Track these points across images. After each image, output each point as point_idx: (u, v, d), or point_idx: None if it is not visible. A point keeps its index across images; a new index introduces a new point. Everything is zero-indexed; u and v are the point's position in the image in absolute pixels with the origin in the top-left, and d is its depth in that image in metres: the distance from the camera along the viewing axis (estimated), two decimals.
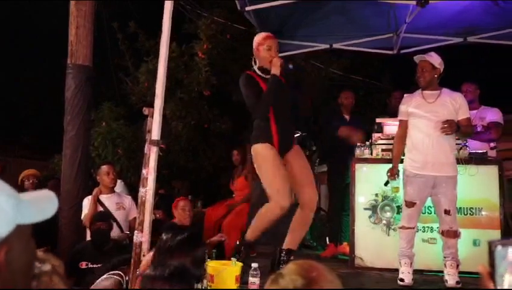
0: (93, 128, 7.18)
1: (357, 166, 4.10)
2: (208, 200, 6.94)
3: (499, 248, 0.85)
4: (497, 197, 4.00)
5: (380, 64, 9.01)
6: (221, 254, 4.29)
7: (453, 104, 3.55)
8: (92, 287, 2.44)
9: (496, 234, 3.94)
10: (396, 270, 3.57)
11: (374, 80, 9.38)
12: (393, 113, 4.70)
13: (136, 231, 2.96)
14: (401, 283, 3.48)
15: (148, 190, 2.98)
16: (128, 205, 4.51)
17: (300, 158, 3.46)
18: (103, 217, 4.04)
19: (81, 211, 4.47)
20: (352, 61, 8.75)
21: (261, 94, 3.31)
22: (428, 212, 3.96)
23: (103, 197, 4.44)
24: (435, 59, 3.63)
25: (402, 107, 3.71)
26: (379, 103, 8.68)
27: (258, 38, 3.51)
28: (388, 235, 4.10)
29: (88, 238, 4.21)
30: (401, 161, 3.71)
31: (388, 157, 4.08)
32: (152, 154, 2.99)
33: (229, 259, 3.17)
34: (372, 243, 4.09)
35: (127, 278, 2.09)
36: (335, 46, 5.74)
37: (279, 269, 3.25)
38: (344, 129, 4.69)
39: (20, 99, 13.03)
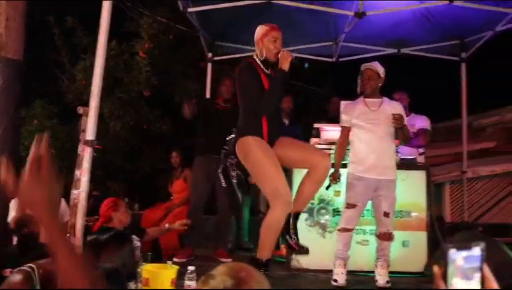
0: (24, 126, 6.81)
1: (295, 170, 4.17)
2: (146, 203, 6.79)
3: (452, 251, 0.89)
4: (424, 201, 4.21)
5: (320, 71, 9.22)
6: (157, 257, 4.20)
7: (393, 112, 3.67)
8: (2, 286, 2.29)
9: (423, 236, 4.16)
10: (331, 271, 3.67)
11: (314, 85, 9.59)
12: (333, 119, 4.85)
13: (67, 235, 2.83)
14: (334, 283, 3.57)
15: (81, 192, 2.86)
16: (62, 209, 4.31)
17: (290, 142, 3.29)
18: (30, 221, 3.81)
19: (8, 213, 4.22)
20: (294, 66, 8.87)
21: (262, 88, 3.11)
22: (362, 215, 4.10)
23: None
24: (380, 68, 3.76)
25: (345, 114, 3.78)
26: (318, 109, 8.89)
27: (261, 29, 3.28)
28: (324, 237, 4.20)
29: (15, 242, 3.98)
30: (343, 166, 3.82)
31: None
32: (86, 155, 2.88)
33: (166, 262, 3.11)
34: (308, 245, 4.16)
35: (41, 271, 1.95)
36: None
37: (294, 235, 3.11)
38: None
39: None
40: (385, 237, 3.67)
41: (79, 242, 2.86)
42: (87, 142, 2.90)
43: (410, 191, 4.17)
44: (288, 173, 3.82)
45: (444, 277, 0.89)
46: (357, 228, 4.08)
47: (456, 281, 0.88)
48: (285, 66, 3.13)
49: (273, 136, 3.21)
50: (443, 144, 7.17)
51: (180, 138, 7.76)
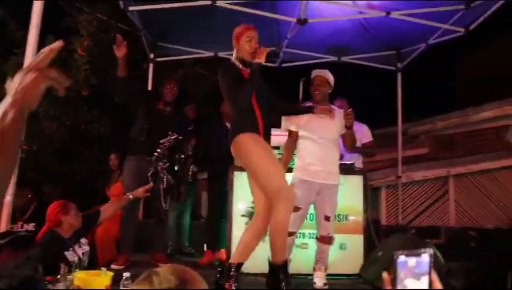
0: None
1: (236, 173, 4.16)
2: (84, 207, 6.50)
3: (401, 257, 0.94)
4: (361, 205, 4.34)
5: (264, 75, 9.29)
6: (93, 262, 4.04)
7: (340, 118, 3.76)
8: None
9: (360, 239, 4.29)
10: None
11: None
12: (272, 123, 4.89)
13: None
14: None
15: (6, 196, 2.69)
16: None
17: None
18: None
19: None
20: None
21: (242, 82, 3.13)
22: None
23: None
24: (330, 76, 3.85)
25: (293, 119, 3.82)
26: None
27: (238, 29, 3.35)
28: (264, 241, 4.20)
29: None
30: (289, 170, 3.85)
31: None
32: None
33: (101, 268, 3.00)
34: None
35: None
36: (220, 54, 5.82)
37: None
38: None
39: None
40: (325, 240, 3.75)
41: None
42: None
43: (348, 195, 4.28)
44: None
45: (393, 282, 0.94)
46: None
47: (407, 282, 0.94)
48: (259, 59, 3.18)
49: (268, 133, 3.24)
50: (380, 150, 7.45)
51: (119, 140, 7.53)
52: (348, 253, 4.23)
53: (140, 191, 3.98)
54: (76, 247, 3.40)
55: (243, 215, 4.21)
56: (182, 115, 4.73)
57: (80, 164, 8.05)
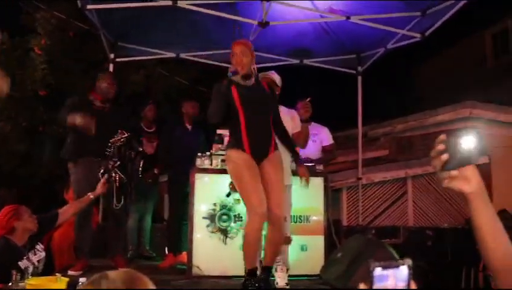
0: None
1: (197, 175, 4.13)
2: (41, 211, 6.29)
3: (378, 270, 0.89)
4: (322, 206, 4.40)
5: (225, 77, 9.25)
6: (50, 268, 3.92)
7: (289, 119, 3.86)
8: None
9: (321, 239, 4.34)
10: (230, 277, 3.69)
11: None
12: None
13: None
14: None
15: None
16: None
17: (277, 171, 3.39)
18: None
19: None
20: (202, 71, 8.85)
21: (221, 102, 3.29)
22: None
23: None
24: (277, 77, 3.93)
25: None
26: None
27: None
28: (225, 243, 4.20)
29: None
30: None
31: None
32: None
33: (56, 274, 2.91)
34: (209, 251, 4.15)
35: None
36: (182, 56, 5.77)
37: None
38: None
39: None
40: (283, 240, 3.78)
41: None
42: None
43: (309, 196, 4.32)
44: None
45: None
46: None
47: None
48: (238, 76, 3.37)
49: (258, 148, 3.32)
50: (341, 152, 7.57)
51: None
52: (309, 254, 4.28)
53: (99, 188, 3.87)
54: (30, 255, 3.28)
55: (204, 218, 4.19)
56: (122, 110, 4.60)
57: (38, 166, 7.79)
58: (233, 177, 3.38)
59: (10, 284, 2.65)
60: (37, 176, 7.86)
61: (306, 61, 6.05)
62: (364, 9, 4.86)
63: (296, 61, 6.02)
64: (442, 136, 1.12)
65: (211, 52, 5.76)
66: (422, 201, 7.00)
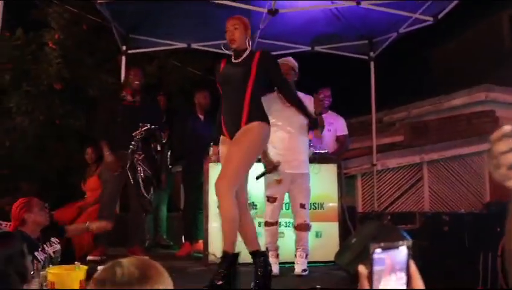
0: None
1: (211, 165, 4.17)
2: (60, 202, 6.43)
3: (377, 251, 0.86)
4: (336, 193, 4.41)
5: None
6: (70, 257, 4.01)
7: (309, 106, 3.79)
8: None
9: (335, 226, 4.36)
10: (246, 264, 3.72)
11: None
12: None
13: None
14: None
15: None
16: None
17: (233, 143, 3.10)
18: None
19: None
20: (214, 61, 8.83)
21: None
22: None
23: None
24: (294, 63, 3.89)
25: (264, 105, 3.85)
26: None
27: None
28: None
29: None
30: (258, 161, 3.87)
31: None
32: None
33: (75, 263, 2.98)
34: None
35: None
36: (193, 46, 5.79)
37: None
38: None
39: None
40: (302, 227, 3.84)
41: None
42: None
43: (323, 183, 4.34)
44: None
45: (370, 277, 0.86)
46: None
47: (384, 281, 0.87)
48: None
49: (231, 128, 3.16)
50: (356, 138, 7.54)
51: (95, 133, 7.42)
52: (323, 240, 4.30)
53: (96, 226, 3.88)
54: (46, 246, 3.36)
55: (218, 207, 4.22)
56: (152, 104, 4.69)
57: (55, 159, 7.92)
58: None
59: (32, 273, 2.72)
60: (53, 168, 8.00)
61: (317, 48, 6.01)
62: None
63: (307, 48, 5.99)
64: (506, 128, 0.98)
65: (222, 41, 5.75)
66: (439, 186, 6.94)
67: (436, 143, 7.12)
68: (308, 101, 3.91)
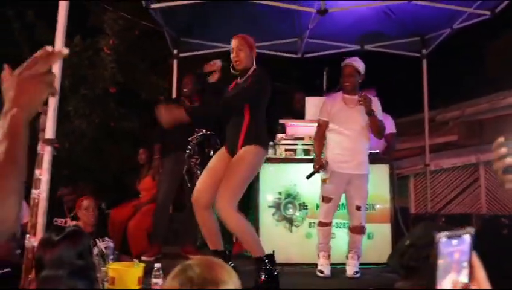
0: None
1: (262, 165, 4.20)
2: (115, 202, 6.68)
3: (443, 240, 0.81)
4: (388, 194, 4.33)
5: (285, 66, 9.26)
6: (126, 255, 4.16)
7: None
8: None
9: (388, 228, 4.28)
10: (296, 264, 3.74)
11: (278, 81, 9.60)
12: (296, 114, 4.91)
13: (27, 235, 2.78)
14: (321, 274, 3.65)
15: (41, 192, 2.81)
16: (23, 210, 4.20)
17: (230, 165, 3.22)
18: None
19: None
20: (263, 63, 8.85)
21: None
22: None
23: None
24: (360, 65, 3.78)
25: (324, 108, 3.82)
26: (282, 104, 8.92)
27: None
28: (291, 231, 4.26)
29: None
30: (310, 161, 3.86)
31: (291, 157, 4.28)
32: (46, 154, 2.83)
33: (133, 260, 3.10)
34: (275, 239, 4.22)
35: None
36: None
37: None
38: None
39: None
40: (357, 230, 3.78)
41: None
42: (46, 141, 2.84)
43: (375, 184, 4.25)
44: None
45: (433, 272, 0.80)
46: None
47: (449, 278, 0.81)
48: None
49: (230, 143, 3.30)
50: (408, 138, 7.36)
51: (148, 135, 7.66)
52: (375, 242, 4.23)
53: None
54: (98, 241, 3.53)
55: (270, 207, 4.26)
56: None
57: (111, 160, 8.24)
58: None
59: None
60: (108, 169, 8.31)
61: (367, 47, 5.91)
62: None
63: (357, 47, 5.90)
64: (501, 139, 1.10)
65: (272, 43, 5.78)
66: (496, 188, 6.65)
67: (492, 143, 6.83)
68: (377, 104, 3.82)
